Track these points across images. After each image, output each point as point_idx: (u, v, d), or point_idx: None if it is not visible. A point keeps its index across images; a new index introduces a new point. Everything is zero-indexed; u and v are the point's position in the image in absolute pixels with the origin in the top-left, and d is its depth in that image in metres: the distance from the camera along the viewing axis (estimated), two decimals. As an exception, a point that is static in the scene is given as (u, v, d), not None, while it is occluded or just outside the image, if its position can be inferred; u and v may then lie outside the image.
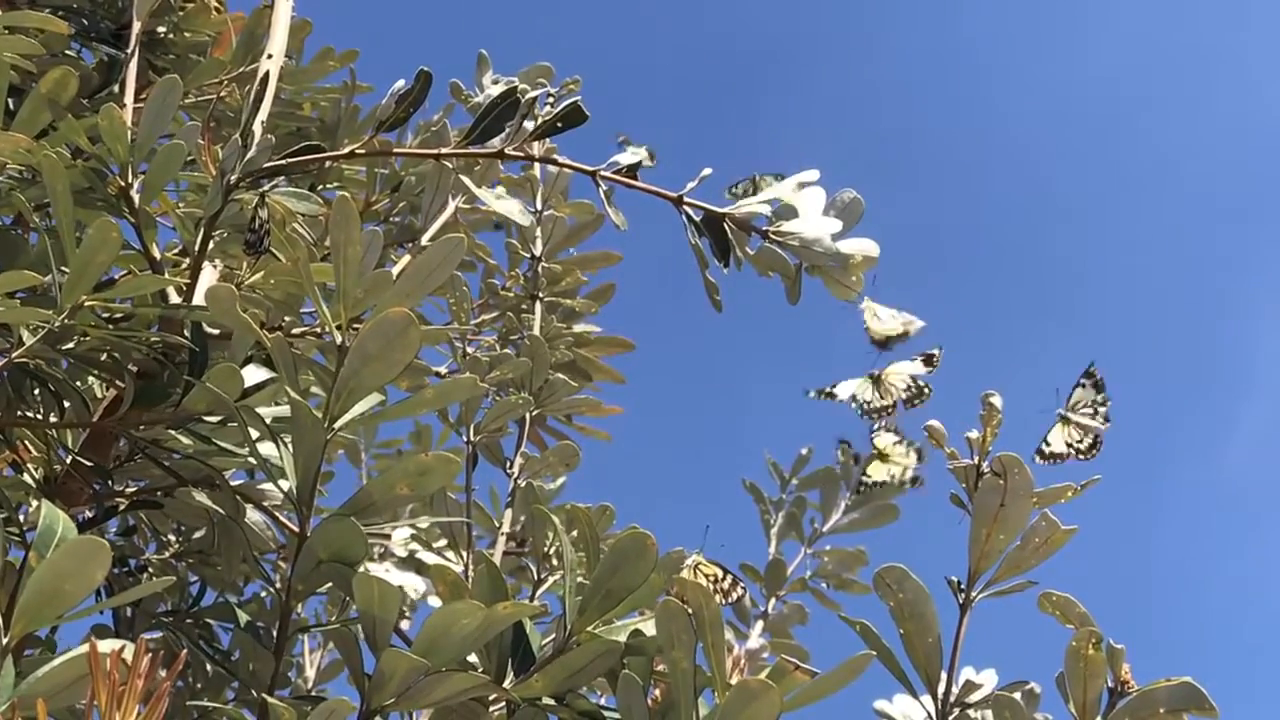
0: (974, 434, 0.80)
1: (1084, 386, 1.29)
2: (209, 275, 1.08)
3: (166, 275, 0.99)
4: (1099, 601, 0.77)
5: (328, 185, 1.47)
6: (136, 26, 1.16)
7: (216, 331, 1.01)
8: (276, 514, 1.03)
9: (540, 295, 1.46)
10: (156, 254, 1.00)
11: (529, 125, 0.99)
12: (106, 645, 0.57)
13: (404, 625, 1.56)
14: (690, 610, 0.73)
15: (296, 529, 0.81)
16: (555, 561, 1.13)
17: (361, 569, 0.78)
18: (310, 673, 1.82)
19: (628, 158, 0.98)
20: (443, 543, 1.50)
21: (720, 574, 1.03)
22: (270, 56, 1.13)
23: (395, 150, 1.15)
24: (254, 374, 0.93)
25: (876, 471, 1.59)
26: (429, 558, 1.52)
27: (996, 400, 0.79)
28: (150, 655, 0.56)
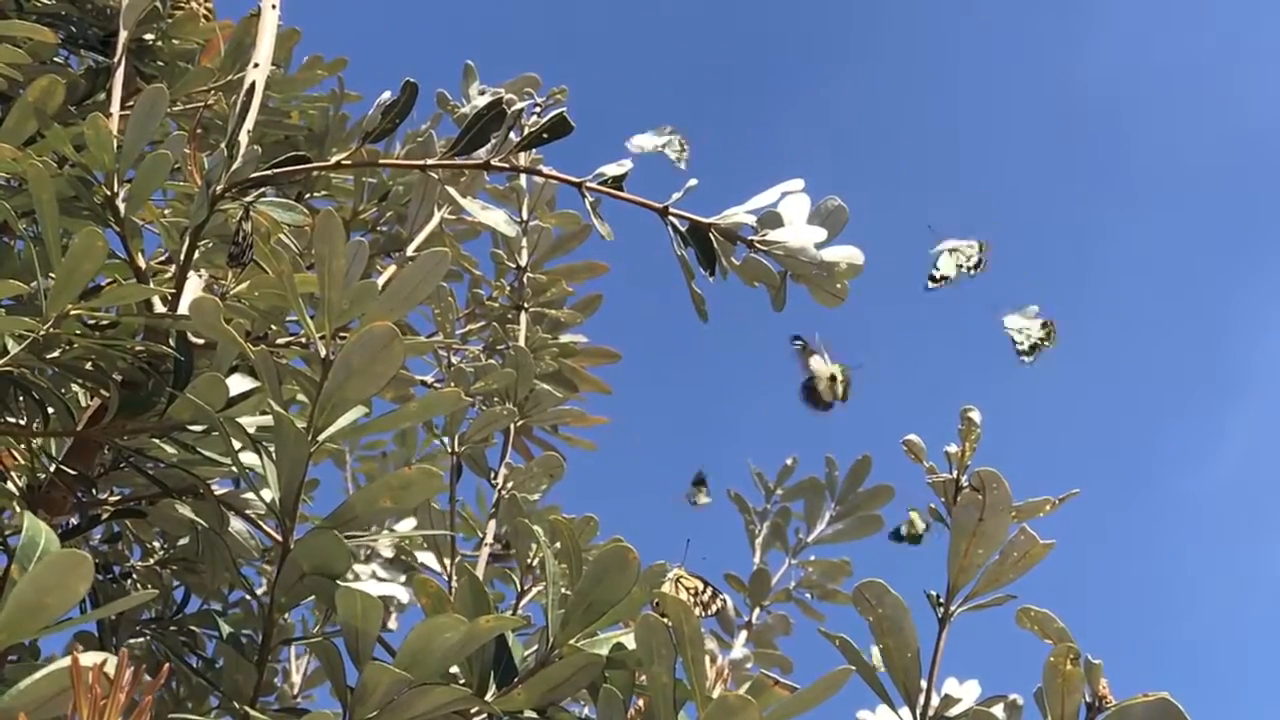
0: (953, 448, 0.80)
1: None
2: (194, 285, 1.08)
3: (151, 284, 0.99)
4: (1079, 615, 0.78)
5: (315, 194, 1.47)
6: (124, 34, 1.15)
7: (201, 341, 1.01)
8: (261, 523, 1.03)
9: (526, 306, 1.46)
10: (141, 263, 1.00)
11: (515, 136, 0.99)
12: (89, 658, 0.57)
13: (391, 626, 1.56)
14: (670, 625, 0.73)
15: (280, 538, 0.81)
16: (539, 572, 1.13)
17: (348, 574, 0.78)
18: (296, 679, 1.81)
19: (613, 169, 0.98)
20: (425, 549, 1.50)
21: (701, 587, 1.04)
22: (256, 65, 1.12)
23: (381, 161, 1.15)
24: (239, 384, 0.93)
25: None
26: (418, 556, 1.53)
27: (975, 415, 0.80)
28: (132, 668, 0.56)
